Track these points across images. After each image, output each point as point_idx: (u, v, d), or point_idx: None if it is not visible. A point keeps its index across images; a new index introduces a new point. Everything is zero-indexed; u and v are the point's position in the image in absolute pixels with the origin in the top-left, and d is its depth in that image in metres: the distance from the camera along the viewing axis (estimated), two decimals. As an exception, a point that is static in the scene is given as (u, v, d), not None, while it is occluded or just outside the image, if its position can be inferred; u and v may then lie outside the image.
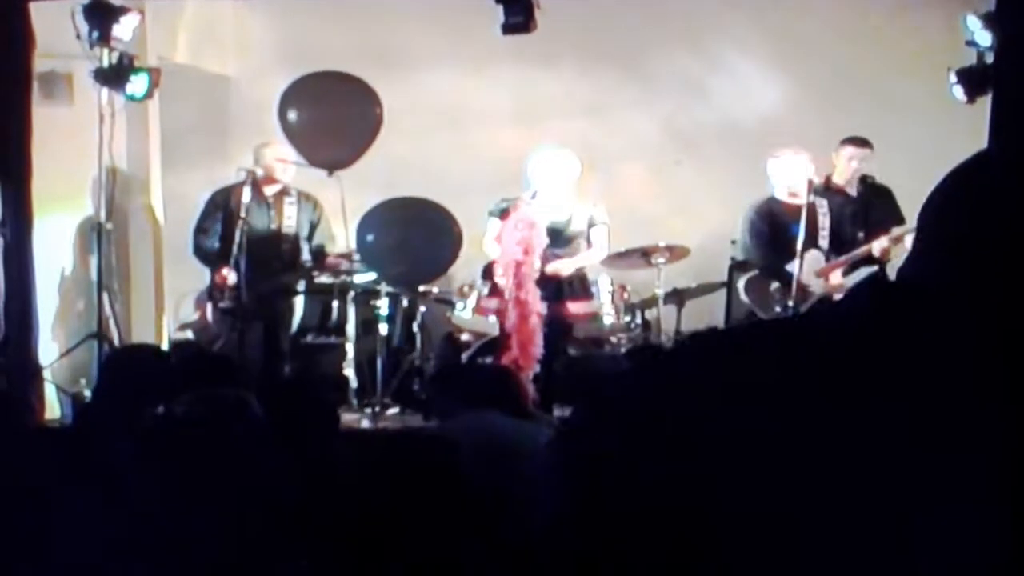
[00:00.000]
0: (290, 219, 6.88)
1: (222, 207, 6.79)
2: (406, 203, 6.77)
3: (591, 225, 6.63)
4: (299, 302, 7.11)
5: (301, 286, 7.10)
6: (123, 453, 2.53)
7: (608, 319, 7.06)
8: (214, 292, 6.70)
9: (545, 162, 6.54)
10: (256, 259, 6.63)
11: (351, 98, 7.05)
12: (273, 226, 6.87)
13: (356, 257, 6.87)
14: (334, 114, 7.03)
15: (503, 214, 6.51)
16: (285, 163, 6.76)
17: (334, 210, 6.93)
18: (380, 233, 6.69)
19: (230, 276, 6.58)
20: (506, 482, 3.39)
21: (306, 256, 7.00)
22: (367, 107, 7.03)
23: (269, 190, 6.81)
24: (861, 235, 6.72)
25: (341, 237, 6.90)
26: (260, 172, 6.75)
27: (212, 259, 6.77)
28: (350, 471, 2.14)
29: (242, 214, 6.57)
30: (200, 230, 6.84)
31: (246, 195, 6.63)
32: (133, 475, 2.47)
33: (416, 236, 6.64)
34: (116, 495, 2.41)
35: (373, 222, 6.72)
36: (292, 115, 7.01)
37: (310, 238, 7.02)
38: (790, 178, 6.63)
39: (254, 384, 5.71)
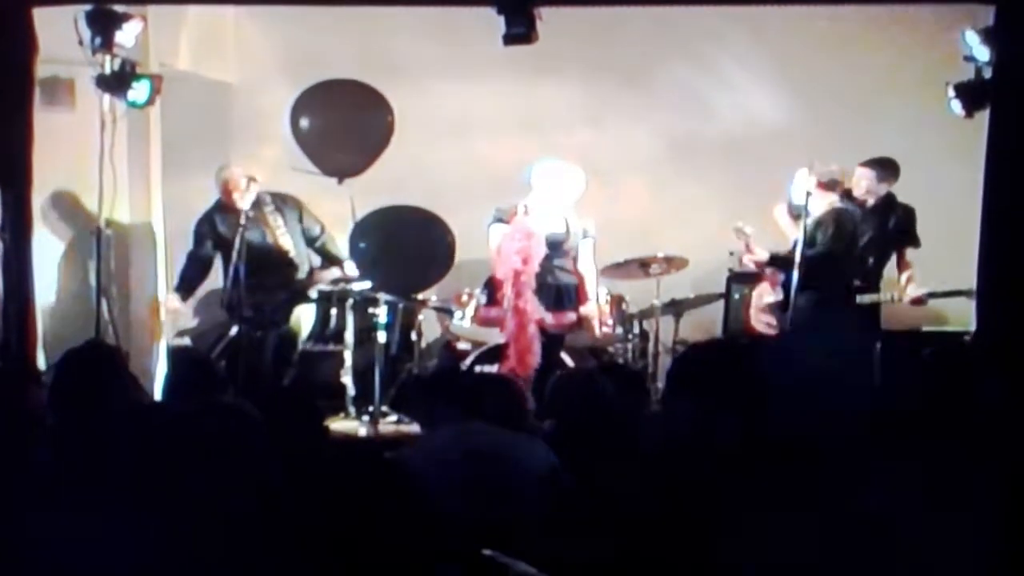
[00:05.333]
0: (279, 228, 6.89)
1: (210, 231, 6.90)
2: (398, 211, 6.77)
3: (583, 237, 6.67)
4: (303, 311, 7.14)
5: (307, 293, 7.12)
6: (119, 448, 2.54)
7: (605, 329, 7.07)
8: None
9: (552, 174, 6.56)
10: (255, 271, 6.65)
11: (363, 106, 7.06)
12: (268, 239, 6.89)
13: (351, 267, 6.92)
14: (346, 122, 7.03)
15: (503, 220, 6.56)
16: (252, 180, 6.71)
17: (341, 219, 6.95)
18: (372, 240, 6.70)
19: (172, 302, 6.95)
20: (487, 493, 3.39)
21: (315, 263, 7.04)
22: (379, 115, 7.04)
23: (244, 204, 6.68)
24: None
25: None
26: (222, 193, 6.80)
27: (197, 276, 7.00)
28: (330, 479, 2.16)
29: (242, 221, 6.59)
30: (193, 256, 7.00)
31: (246, 204, 6.66)
32: (126, 472, 2.47)
33: (407, 244, 6.64)
34: (106, 489, 2.41)
35: (366, 229, 6.74)
36: (304, 122, 7.01)
37: (313, 244, 7.04)
38: None
39: (248, 391, 5.74)
